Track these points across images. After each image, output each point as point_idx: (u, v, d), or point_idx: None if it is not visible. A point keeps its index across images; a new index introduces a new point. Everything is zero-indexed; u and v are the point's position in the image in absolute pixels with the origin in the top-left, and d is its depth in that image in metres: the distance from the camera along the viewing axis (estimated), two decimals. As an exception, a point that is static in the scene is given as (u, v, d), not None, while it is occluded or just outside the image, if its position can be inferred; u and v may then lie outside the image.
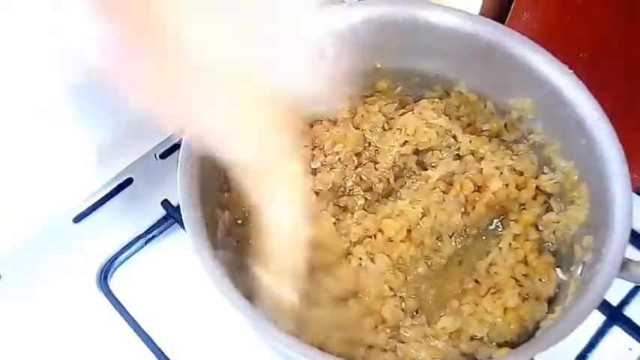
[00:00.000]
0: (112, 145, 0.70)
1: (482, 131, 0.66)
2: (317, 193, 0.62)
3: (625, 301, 0.66)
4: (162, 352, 0.63)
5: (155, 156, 0.75)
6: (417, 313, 0.58)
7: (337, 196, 0.63)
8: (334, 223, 0.60)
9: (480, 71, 0.64)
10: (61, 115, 0.64)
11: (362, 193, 0.64)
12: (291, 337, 0.48)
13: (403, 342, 0.56)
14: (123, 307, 0.66)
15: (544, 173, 0.63)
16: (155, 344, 0.64)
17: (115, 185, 0.73)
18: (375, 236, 0.60)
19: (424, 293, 0.59)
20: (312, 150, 0.64)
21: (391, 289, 0.58)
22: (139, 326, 0.64)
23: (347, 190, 0.64)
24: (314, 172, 0.63)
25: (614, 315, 0.65)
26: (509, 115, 0.64)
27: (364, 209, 0.62)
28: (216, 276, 0.50)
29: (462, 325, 0.56)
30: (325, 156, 0.64)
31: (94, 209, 0.72)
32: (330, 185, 0.63)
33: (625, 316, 0.65)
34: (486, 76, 0.64)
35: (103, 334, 0.65)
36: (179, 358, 0.63)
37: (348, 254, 0.59)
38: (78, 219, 0.71)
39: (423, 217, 0.61)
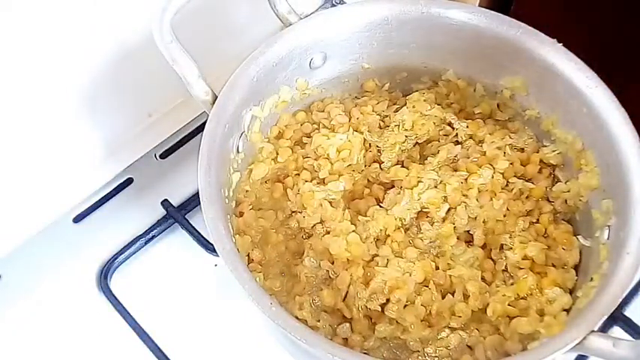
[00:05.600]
0: (112, 145, 0.70)
1: (475, 114, 0.67)
2: (331, 203, 0.62)
3: (625, 301, 0.66)
4: (162, 352, 0.63)
5: (155, 156, 0.75)
6: (452, 295, 0.58)
7: (350, 202, 0.64)
8: (353, 231, 0.60)
9: (467, 56, 0.65)
10: (61, 116, 0.64)
11: (373, 194, 0.64)
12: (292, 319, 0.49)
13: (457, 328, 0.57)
14: (123, 307, 0.65)
15: (544, 146, 0.64)
16: (155, 344, 0.64)
17: (115, 185, 0.73)
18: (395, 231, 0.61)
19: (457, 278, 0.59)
20: (317, 160, 0.64)
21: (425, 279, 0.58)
22: (139, 326, 0.64)
23: (357, 194, 0.64)
24: (323, 181, 0.63)
25: (614, 315, 0.65)
26: (501, 94, 0.66)
27: (379, 205, 0.62)
28: (228, 249, 0.51)
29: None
30: (332, 164, 0.64)
31: (94, 209, 0.72)
32: (342, 193, 0.63)
33: (625, 316, 0.65)
34: (473, 61, 0.65)
35: (103, 334, 0.65)
36: (179, 358, 0.63)
37: (375, 256, 0.60)
38: (78, 219, 0.71)
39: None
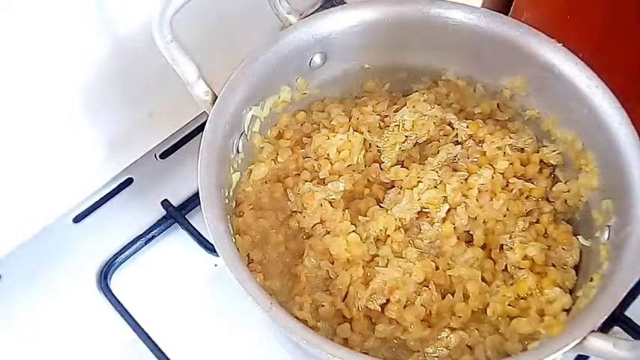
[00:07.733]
0: (112, 145, 0.70)
1: (475, 114, 0.67)
2: (331, 203, 0.62)
3: (625, 302, 0.66)
4: (162, 352, 0.63)
5: (155, 156, 0.75)
6: (452, 295, 0.58)
7: (350, 202, 0.63)
8: (354, 231, 0.60)
9: (467, 56, 0.65)
10: (61, 116, 0.64)
11: (373, 194, 0.64)
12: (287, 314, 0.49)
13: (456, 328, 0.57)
14: (123, 307, 0.66)
15: (544, 146, 0.64)
16: (155, 344, 0.64)
17: (115, 185, 0.73)
18: (395, 231, 0.61)
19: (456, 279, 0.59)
20: (317, 160, 0.64)
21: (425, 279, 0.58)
22: (139, 326, 0.64)
23: (357, 194, 0.64)
24: (323, 182, 0.63)
25: (614, 315, 0.65)
26: (501, 94, 0.66)
27: (379, 205, 0.62)
28: (226, 246, 0.51)
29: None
30: (332, 164, 0.64)
31: (94, 209, 0.72)
32: (342, 193, 0.63)
33: (625, 316, 0.65)
34: (473, 61, 0.65)
35: (103, 334, 0.65)
36: (179, 358, 0.63)
37: (375, 256, 0.60)
38: (78, 219, 0.71)
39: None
